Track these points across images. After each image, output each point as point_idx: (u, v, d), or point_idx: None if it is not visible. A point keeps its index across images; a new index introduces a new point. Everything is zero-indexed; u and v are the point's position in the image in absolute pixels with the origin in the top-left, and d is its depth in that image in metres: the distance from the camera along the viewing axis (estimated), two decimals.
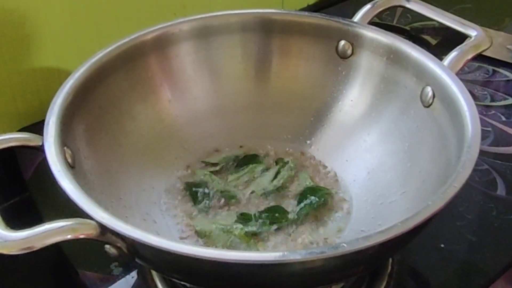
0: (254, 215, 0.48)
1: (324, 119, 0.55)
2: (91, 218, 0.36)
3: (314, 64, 0.55)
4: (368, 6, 0.56)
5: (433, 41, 0.76)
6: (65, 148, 0.42)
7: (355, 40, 0.53)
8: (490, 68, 0.72)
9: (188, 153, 0.54)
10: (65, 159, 0.41)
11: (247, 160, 0.54)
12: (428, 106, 0.48)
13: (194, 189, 0.51)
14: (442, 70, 0.47)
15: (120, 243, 0.36)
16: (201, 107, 0.55)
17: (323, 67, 0.55)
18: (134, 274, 0.48)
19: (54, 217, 0.36)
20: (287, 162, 0.53)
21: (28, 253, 0.34)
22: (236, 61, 0.56)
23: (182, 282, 0.44)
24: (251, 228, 0.47)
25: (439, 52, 0.51)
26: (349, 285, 0.46)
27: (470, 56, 0.50)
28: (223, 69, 0.56)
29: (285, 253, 0.33)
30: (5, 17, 0.56)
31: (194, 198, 0.51)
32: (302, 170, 0.53)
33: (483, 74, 0.71)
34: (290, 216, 0.48)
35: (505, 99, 0.67)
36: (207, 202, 0.50)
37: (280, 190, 0.51)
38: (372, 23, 0.55)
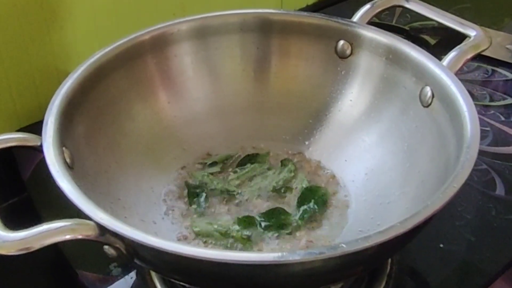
0: (256, 220, 0.48)
1: (323, 119, 0.55)
2: (90, 218, 0.36)
3: (313, 64, 0.55)
4: (367, 6, 0.56)
5: (432, 41, 0.76)
6: (63, 148, 0.42)
7: (354, 40, 0.53)
8: (489, 68, 0.72)
9: (187, 153, 0.54)
10: (64, 159, 0.41)
11: (248, 159, 0.54)
12: (427, 106, 0.48)
13: (192, 189, 0.51)
14: (442, 70, 0.47)
15: (119, 244, 0.36)
16: (200, 108, 0.55)
17: (322, 67, 0.55)
18: (133, 275, 0.48)
19: (53, 217, 0.36)
20: (291, 162, 0.53)
21: (27, 253, 0.34)
22: (235, 61, 0.55)
23: (181, 283, 0.44)
24: (252, 231, 0.47)
25: (438, 52, 0.51)
26: (348, 285, 0.46)
27: (469, 56, 0.50)
28: (222, 70, 0.56)
29: (284, 253, 0.33)
30: (2, 17, 0.55)
31: (193, 199, 0.50)
32: (300, 170, 0.53)
33: (482, 74, 0.71)
34: (293, 222, 0.48)
35: (504, 99, 0.67)
36: (206, 202, 0.50)
37: (279, 191, 0.51)
38: (371, 23, 0.55)
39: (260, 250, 0.46)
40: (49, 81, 0.61)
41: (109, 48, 0.50)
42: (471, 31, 0.52)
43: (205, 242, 0.47)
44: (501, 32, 0.77)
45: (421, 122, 0.48)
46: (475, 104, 0.44)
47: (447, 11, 0.56)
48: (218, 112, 0.55)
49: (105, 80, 0.49)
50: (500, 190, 0.55)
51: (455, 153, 0.42)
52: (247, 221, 0.48)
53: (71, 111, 0.45)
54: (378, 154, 0.51)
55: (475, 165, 0.39)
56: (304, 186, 0.51)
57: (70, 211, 0.37)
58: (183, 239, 0.47)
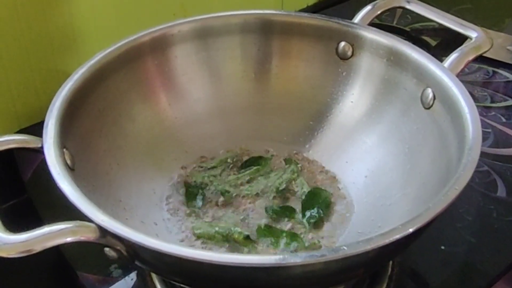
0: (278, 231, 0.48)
1: (324, 121, 0.55)
2: (90, 220, 0.36)
3: (314, 65, 0.55)
4: (368, 7, 0.56)
5: (433, 42, 0.76)
6: (64, 150, 0.42)
7: (355, 41, 0.53)
8: (490, 69, 0.72)
9: (188, 154, 0.54)
10: (65, 161, 0.41)
11: (250, 162, 0.54)
12: (429, 108, 0.48)
13: (191, 190, 0.51)
14: (443, 71, 0.47)
15: (119, 246, 0.36)
16: (200, 109, 0.55)
17: (323, 69, 0.55)
18: (133, 276, 0.48)
19: (53, 218, 0.35)
20: (294, 162, 0.53)
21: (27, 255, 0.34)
22: (236, 62, 0.55)
23: (182, 285, 0.44)
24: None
25: (439, 53, 0.51)
26: (349, 287, 0.46)
27: (470, 58, 0.50)
28: (222, 71, 0.56)
29: (286, 256, 0.33)
30: (3, 18, 0.55)
31: (191, 199, 0.50)
32: (301, 172, 0.53)
33: (483, 75, 0.71)
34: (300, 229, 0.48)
35: (505, 100, 0.67)
36: (203, 203, 0.50)
37: (282, 192, 0.51)
38: (372, 24, 0.55)
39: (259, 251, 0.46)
40: (49, 82, 0.61)
41: (109, 49, 0.50)
42: (472, 32, 0.52)
43: (205, 244, 0.47)
44: (502, 33, 0.77)
45: (422, 123, 0.48)
46: (476, 106, 0.44)
47: (447, 12, 0.56)
48: (219, 113, 0.55)
49: (105, 81, 0.49)
50: (501, 192, 0.55)
51: (457, 155, 0.42)
52: (267, 231, 0.47)
53: (72, 113, 0.45)
54: (379, 156, 0.51)
55: (476, 166, 0.39)
56: (305, 190, 0.51)
57: (70, 212, 0.37)
58: (186, 239, 0.47)
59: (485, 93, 0.68)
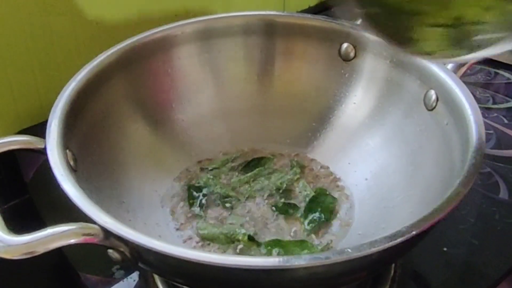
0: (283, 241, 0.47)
1: (327, 122, 0.54)
2: (94, 222, 0.36)
3: (317, 66, 0.55)
4: None
5: None
6: (67, 151, 0.42)
7: (358, 43, 0.53)
8: (492, 70, 0.72)
9: (190, 156, 0.54)
10: (68, 162, 0.41)
11: (253, 163, 0.54)
12: (432, 110, 0.48)
13: (193, 191, 0.51)
14: (446, 73, 0.47)
15: (123, 248, 0.36)
16: (203, 110, 0.55)
17: (326, 70, 0.55)
18: (135, 277, 0.48)
19: (54, 219, 0.35)
20: (297, 164, 0.53)
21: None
22: (239, 64, 0.55)
23: (185, 286, 0.44)
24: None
25: None
26: None
27: (474, 60, 0.50)
28: (225, 72, 0.55)
29: (290, 258, 0.33)
30: (5, 19, 0.55)
31: (193, 201, 0.50)
32: (303, 173, 0.53)
33: (484, 76, 0.71)
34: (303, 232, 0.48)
35: (507, 101, 0.67)
36: (208, 205, 0.50)
37: (284, 193, 0.51)
38: None
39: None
40: (51, 83, 0.60)
41: (112, 51, 0.50)
42: None
43: (209, 245, 0.47)
44: None
45: (425, 125, 0.48)
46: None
47: None
48: (222, 114, 0.55)
49: (108, 82, 0.49)
50: (503, 194, 0.55)
51: (460, 157, 0.42)
52: (274, 243, 0.47)
53: (75, 114, 0.45)
54: (382, 158, 0.51)
55: None
56: (309, 192, 0.51)
57: (72, 212, 0.37)
58: (188, 240, 0.47)
59: (487, 94, 0.68)
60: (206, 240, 0.47)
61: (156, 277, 0.47)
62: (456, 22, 0.28)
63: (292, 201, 0.50)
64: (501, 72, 0.72)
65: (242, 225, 0.48)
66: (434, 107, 0.48)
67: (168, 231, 0.48)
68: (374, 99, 0.53)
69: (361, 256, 0.34)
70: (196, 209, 0.50)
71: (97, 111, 0.48)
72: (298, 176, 0.52)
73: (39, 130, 0.43)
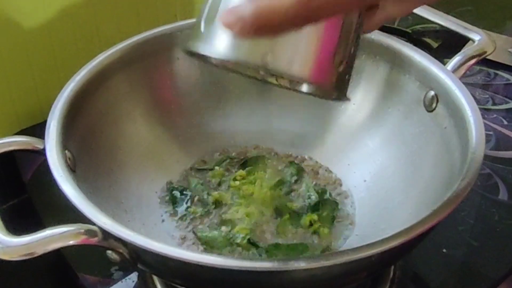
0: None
1: (327, 123, 0.54)
2: (93, 223, 0.36)
3: None
4: None
5: (435, 44, 0.76)
6: (66, 151, 0.42)
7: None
8: (492, 71, 0.72)
9: (189, 156, 0.54)
10: (66, 163, 0.41)
11: (251, 162, 0.54)
12: (432, 111, 0.48)
13: (175, 193, 0.51)
14: (446, 74, 0.47)
15: (122, 249, 0.36)
16: (202, 110, 0.55)
17: None
18: (134, 278, 0.47)
19: (53, 219, 0.36)
20: (295, 165, 0.53)
21: None
22: None
23: None
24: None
25: (441, 55, 0.51)
26: None
27: (473, 61, 0.50)
28: (224, 73, 0.55)
29: (289, 260, 0.33)
30: (3, 19, 0.55)
31: (178, 203, 0.50)
32: (305, 175, 0.53)
33: (484, 77, 0.71)
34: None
35: (506, 102, 0.67)
36: (186, 210, 0.50)
37: (282, 197, 0.51)
38: None
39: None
40: (50, 82, 0.60)
41: (111, 51, 0.50)
42: (475, 35, 0.52)
43: (206, 247, 0.46)
44: (503, 36, 0.77)
45: (425, 126, 0.48)
46: None
47: (448, 13, 0.55)
48: (221, 115, 0.55)
49: (107, 82, 0.49)
50: (503, 195, 0.55)
51: (460, 158, 0.42)
52: (278, 249, 0.46)
53: (73, 114, 0.45)
54: (382, 159, 0.51)
55: None
56: (312, 194, 0.50)
57: (71, 213, 0.37)
58: (185, 241, 0.47)
59: (486, 95, 0.68)
60: (204, 242, 0.47)
61: (155, 278, 0.47)
62: None
63: (291, 203, 0.50)
64: (500, 73, 0.72)
65: (238, 230, 0.47)
66: (434, 109, 0.48)
67: (165, 232, 0.48)
68: (374, 100, 0.53)
69: (361, 258, 0.34)
70: (190, 210, 0.50)
71: (96, 111, 0.48)
72: (295, 177, 0.52)
73: (38, 130, 0.43)
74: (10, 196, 0.55)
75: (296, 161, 0.54)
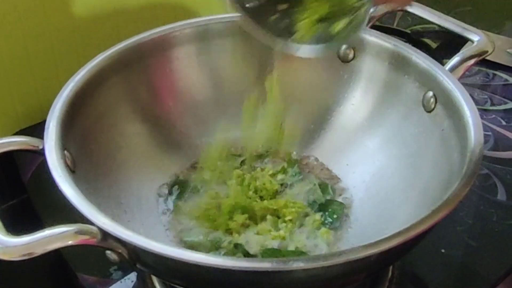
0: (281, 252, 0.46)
1: (326, 123, 0.54)
2: (92, 223, 0.36)
3: (316, 68, 0.55)
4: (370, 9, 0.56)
5: (434, 44, 0.76)
6: (65, 152, 0.42)
7: (357, 44, 0.53)
8: (490, 72, 0.72)
9: (189, 156, 0.54)
10: (66, 163, 0.41)
11: (250, 161, 0.54)
12: (430, 111, 0.48)
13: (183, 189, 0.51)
14: (445, 75, 0.47)
15: (121, 249, 0.36)
16: (201, 111, 0.55)
17: (324, 71, 0.55)
18: (133, 278, 0.48)
19: (53, 219, 0.36)
20: (295, 163, 0.53)
21: None
22: (237, 65, 0.55)
23: None
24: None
25: (440, 55, 0.51)
26: None
27: (472, 61, 0.50)
28: (224, 73, 0.55)
29: (289, 260, 0.33)
30: (3, 18, 0.55)
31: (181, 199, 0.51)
32: (303, 173, 0.53)
33: (482, 77, 0.71)
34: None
35: (505, 103, 0.67)
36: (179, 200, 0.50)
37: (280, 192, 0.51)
38: (372, 26, 0.55)
39: None
40: (50, 82, 0.60)
41: (111, 51, 0.50)
42: (474, 36, 0.52)
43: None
44: (502, 36, 0.77)
45: (424, 127, 0.48)
46: None
47: (447, 14, 0.55)
48: (220, 115, 0.55)
49: (106, 83, 0.49)
50: (501, 195, 0.55)
51: (459, 159, 0.42)
52: (271, 253, 0.46)
53: (73, 114, 0.45)
54: (381, 159, 0.51)
55: None
56: (320, 197, 0.51)
57: (70, 213, 0.37)
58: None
59: (485, 96, 0.68)
60: (190, 247, 0.46)
61: (154, 278, 0.47)
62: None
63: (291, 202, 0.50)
64: (499, 73, 0.72)
65: (228, 231, 0.47)
66: (433, 109, 0.48)
67: (163, 233, 0.48)
68: (373, 101, 0.53)
69: (360, 258, 0.34)
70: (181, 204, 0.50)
71: (96, 112, 0.48)
72: (297, 176, 0.52)
73: (38, 130, 0.43)
74: (10, 196, 0.55)
75: (294, 159, 0.54)
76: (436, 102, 0.47)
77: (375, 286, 0.46)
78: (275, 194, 0.51)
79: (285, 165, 0.53)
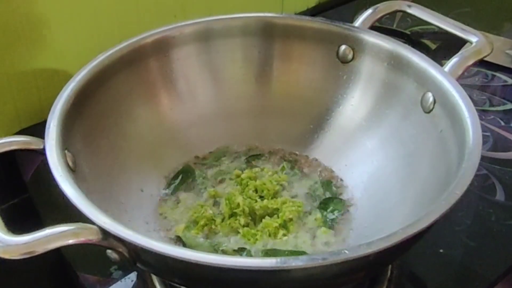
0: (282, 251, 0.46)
1: (325, 124, 0.55)
2: (93, 222, 0.36)
3: (315, 68, 0.55)
4: (369, 11, 0.56)
5: (433, 45, 0.76)
6: (66, 151, 0.42)
7: (356, 45, 0.53)
8: (489, 73, 0.72)
9: (189, 156, 0.54)
10: (66, 162, 0.41)
11: (251, 160, 0.54)
12: (429, 112, 0.48)
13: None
14: (443, 76, 0.47)
15: (122, 248, 0.36)
16: (202, 111, 0.55)
17: (324, 72, 0.55)
18: (133, 277, 0.48)
19: (53, 218, 0.36)
20: (295, 163, 0.53)
21: None
22: (237, 65, 0.55)
23: (183, 287, 0.44)
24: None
25: (439, 56, 0.51)
26: None
27: (471, 62, 0.50)
28: (224, 73, 0.56)
29: (287, 259, 0.33)
30: (6, 18, 0.55)
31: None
32: (308, 174, 0.53)
33: (481, 79, 0.71)
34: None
35: (504, 104, 0.67)
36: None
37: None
38: (372, 27, 0.55)
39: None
40: (51, 82, 0.61)
41: (111, 51, 0.50)
42: (473, 37, 0.52)
43: None
44: (501, 37, 0.77)
45: (422, 127, 0.48)
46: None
47: (446, 15, 0.56)
48: (220, 115, 0.55)
49: (107, 83, 0.49)
50: (500, 196, 0.55)
51: (457, 159, 0.42)
52: (272, 253, 0.46)
53: (74, 114, 0.45)
54: (379, 159, 0.51)
55: None
56: (317, 194, 0.51)
57: (71, 212, 0.37)
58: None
59: (484, 97, 0.68)
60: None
61: (154, 277, 0.47)
62: None
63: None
64: (498, 74, 0.72)
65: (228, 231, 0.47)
66: (431, 110, 0.48)
67: (166, 232, 0.48)
68: (372, 101, 0.53)
69: (358, 257, 0.34)
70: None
71: (96, 111, 0.48)
72: (295, 176, 0.52)
73: (38, 129, 0.43)
74: (11, 196, 0.55)
75: (293, 159, 0.54)
76: (434, 102, 0.47)
77: (374, 286, 0.46)
78: (275, 194, 0.51)
79: (285, 164, 0.54)
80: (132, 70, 0.51)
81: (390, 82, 0.51)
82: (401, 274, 0.47)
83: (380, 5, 0.57)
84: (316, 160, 0.54)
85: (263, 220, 0.48)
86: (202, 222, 0.48)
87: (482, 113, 0.66)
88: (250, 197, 0.49)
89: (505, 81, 0.71)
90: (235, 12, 0.55)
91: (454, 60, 0.50)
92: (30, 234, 0.34)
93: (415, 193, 0.46)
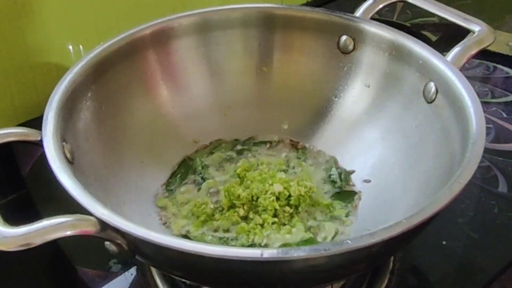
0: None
1: (326, 115, 0.54)
2: (90, 214, 0.35)
3: (316, 59, 0.55)
4: (370, 1, 0.55)
5: (433, 37, 0.75)
6: (63, 143, 0.41)
7: (357, 35, 0.53)
8: (491, 64, 0.72)
9: (188, 148, 0.54)
10: (64, 154, 0.40)
11: (250, 148, 0.54)
12: (431, 102, 0.47)
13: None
14: (446, 65, 0.47)
15: (120, 240, 0.36)
16: (201, 103, 0.55)
17: (324, 63, 0.54)
18: (133, 271, 0.47)
19: (52, 212, 0.35)
20: (302, 149, 0.53)
21: (26, 249, 0.34)
22: (237, 57, 0.55)
23: (182, 279, 0.44)
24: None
25: (439, 48, 0.50)
26: (350, 282, 0.45)
27: (473, 52, 0.50)
28: (223, 65, 0.55)
29: (289, 250, 0.33)
30: (2, 14, 0.55)
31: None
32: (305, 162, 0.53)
33: (483, 70, 0.71)
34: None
35: (506, 95, 0.67)
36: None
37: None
38: (372, 19, 0.55)
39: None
40: (48, 76, 0.60)
41: (109, 43, 0.49)
42: (475, 26, 0.51)
43: None
44: (502, 32, 0.76)
45: (425, 118, 0.48)
46: None
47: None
48: (220, 107, 0.55)
49: (105, 74, 0.49)
50: (502, 187, 0.55)
51: (460, 149, 0.41)
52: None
53: (71, 106, 0.45)
54: (381, 150, 0.51)
55: None
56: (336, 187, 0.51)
57: (70, 206, 0.37)
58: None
59: (486, 89, 0.68)
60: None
61: (154, 271, 0.47)
62: None
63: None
64: (500, 66, 0.72)
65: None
66: (434, 100, 0.47)
67: (164, 225, 0.48)
68: (373, 92, 0.52)
69: (361, 248, 0.33)
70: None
71: (94, 103, 0.48)
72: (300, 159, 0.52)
73: (36, 124, 0.42)
74: (9, 190, 0.55)
75: (297, 146, 0.54)
76: (437, 92, 0.47)
77: (376, 278, 0.46)
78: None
79: (288, 152, 0.53)
80: (130, 62, 0.51)
81: (391, 72, 0.51)
82: (403, 266, 0.47)
83: None
84: (321, 150, 0.54)
85: (263, 216, 0.47)
86: (202, 218, 0.47)
87: (484, 105, 0.64)
88: (248, 187, 0.49)
89: (507, 73, 0.71)
90: (235, 4, 0.55)
91: (456, 49, 0.49)
92: (27, 226, 0.34)
93: (418, 183, 0.45)
